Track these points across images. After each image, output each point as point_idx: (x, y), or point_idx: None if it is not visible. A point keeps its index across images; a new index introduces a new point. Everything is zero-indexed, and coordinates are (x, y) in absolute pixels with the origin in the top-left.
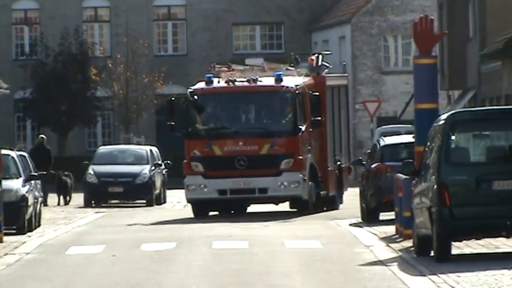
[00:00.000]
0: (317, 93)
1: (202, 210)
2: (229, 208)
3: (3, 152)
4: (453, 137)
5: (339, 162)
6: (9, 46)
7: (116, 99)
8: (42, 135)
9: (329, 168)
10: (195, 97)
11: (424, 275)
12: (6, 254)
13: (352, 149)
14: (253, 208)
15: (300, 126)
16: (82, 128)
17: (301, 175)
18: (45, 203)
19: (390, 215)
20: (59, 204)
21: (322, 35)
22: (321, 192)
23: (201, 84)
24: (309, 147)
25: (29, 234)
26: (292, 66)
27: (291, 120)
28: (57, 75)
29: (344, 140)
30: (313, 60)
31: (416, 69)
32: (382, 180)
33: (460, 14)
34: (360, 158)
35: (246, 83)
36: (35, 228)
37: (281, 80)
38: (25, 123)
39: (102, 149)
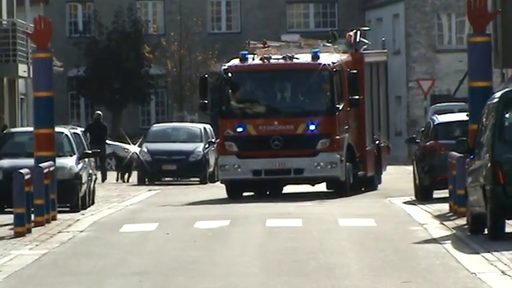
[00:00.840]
0: (355, 71)
1: (236, 191)
2: (264, 189)
3: (57, 129)
4: (507, 115)
5: (377, 142)
6: (62, 24)
7: (170, 77)
8: (99, 112)
9: (367, 148)
10: (229, 74)
11: (478, 253)
12: (60, 232)
13: (406, 127)
14: (288, 189)
15: (337, 105)
16: (136, 106)
17: (338, 155)
18: (104, 178)
19: (444, 193)
20: (122, 181)
21: (375, 13)
22: (359, 173)
23: (235, 61)
24: (346, 127)
25: (82, 212)
26: (330, 43)
27: (328, 99)
28: (111, 53)
29: (383, 119)
30: (351, 36)
31: (470, 47)
32: (436, 159)
33: None
34: (414, 136)
35: (281, 60)
36: (89, 206)
37: (318, 57)
38: (79, 101)
39: (156, 126)
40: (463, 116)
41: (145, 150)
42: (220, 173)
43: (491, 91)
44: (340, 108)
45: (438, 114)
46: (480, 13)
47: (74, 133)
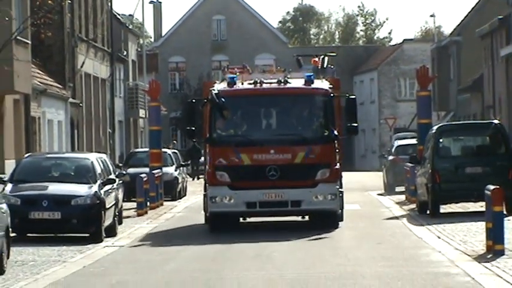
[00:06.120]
0: (353, 96)
1: (223, 225)
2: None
3: (163, 150)
4: (441, 140)
5: None
6: (166, 84)
7: None
8: (194, 139)
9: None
10: (222, 99)
11: (423, 225)
12: (165, 213)
13: (378, 148)
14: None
15: (335, 133)
16: None
17: (337, 186)
18: (198, 178)
19: (402, 189)
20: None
21: (359, 78)
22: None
23: (223, 85)
24: (338, 156)
25: (179, 200)
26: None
27: (326, 126)
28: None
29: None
30: (317, 61)
31: (418, 99)
32: (397, 167)
33: (445, 64)
34: (383, 153)
35: (275, 85)
36: (183, 197)
37: (312, 82)
38: (176, 132)
39: None
40: (413, 141)
41: None
42: (210, 205)
43: (431, 125)
44: (337, 135)
45: (398, 139)
46: (424, 77)
47: (174, 152)
